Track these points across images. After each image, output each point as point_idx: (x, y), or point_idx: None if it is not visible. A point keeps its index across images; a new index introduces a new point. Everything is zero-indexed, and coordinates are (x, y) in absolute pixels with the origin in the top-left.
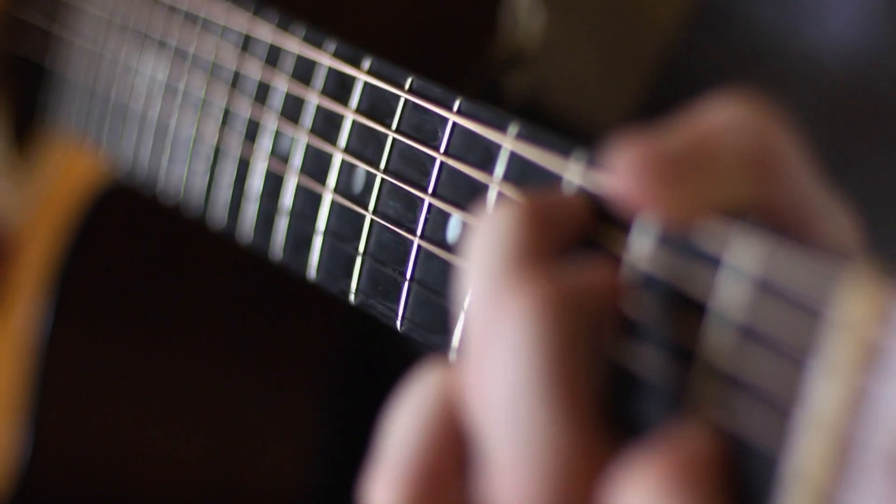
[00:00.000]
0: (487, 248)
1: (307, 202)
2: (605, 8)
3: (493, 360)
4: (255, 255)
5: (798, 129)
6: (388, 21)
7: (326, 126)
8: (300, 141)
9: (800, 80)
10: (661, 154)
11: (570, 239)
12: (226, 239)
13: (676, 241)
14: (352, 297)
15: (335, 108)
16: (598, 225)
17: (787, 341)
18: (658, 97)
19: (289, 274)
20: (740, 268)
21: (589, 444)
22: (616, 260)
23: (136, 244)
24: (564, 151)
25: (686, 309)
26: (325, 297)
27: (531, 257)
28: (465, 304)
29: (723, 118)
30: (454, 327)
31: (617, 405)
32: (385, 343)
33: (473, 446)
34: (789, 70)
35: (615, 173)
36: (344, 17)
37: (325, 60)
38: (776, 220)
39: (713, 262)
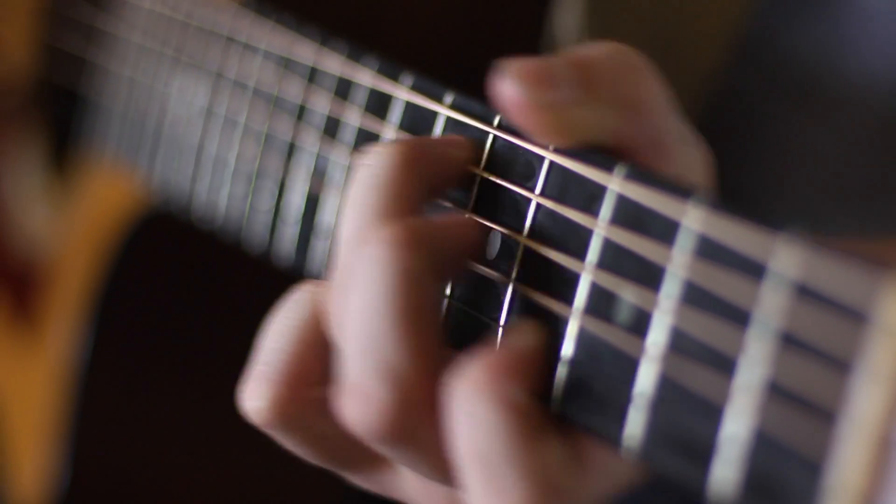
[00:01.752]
0: (362, 185)
1: None
2: (650, 38)
3: (352, 286)
4: (294, 282)
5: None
6: (429, 44)
7: (367, 144)
8: (341, 159)
9: (841, 107)
10: (541, 67)
11: (449, 177)
12: (263, 264)
13: (718, 248)
14: None
15: (376, 125)
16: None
17: (829, 347)
18: (701, 128)
19: None
20: (782, 273)
21: (429, 365)
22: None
23: (174, 272)
24: (607, 166)
25: (728, 315)
26: None
27: (398, 198)
28: (340, 231)
29: (597, 51)
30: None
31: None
32: None
33: (334, 358)
34: (830, 98)
35: (501, 83)
36: (387, 34)
37: (367, 79)
38: (636, 151)
39: (756, 269)
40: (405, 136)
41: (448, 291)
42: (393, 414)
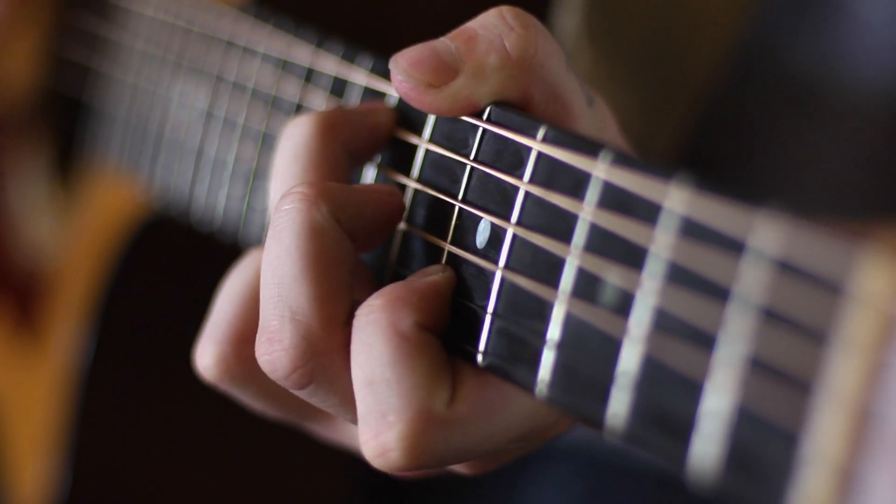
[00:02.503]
0: (284, 155)
1: None
2: (648, 50)
3: (270, 242)
4: None
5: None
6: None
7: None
8: None
9: (840, 117)
10: (421, 52)
11: (370, 142)
12: None
13: (700, 228)
14: None
15: None
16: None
17: (808, 320)
18: (698, 139)
19: None
20: (761, 249)
21: (332, 310)
22: None
23: (175, 278)
24: (591, 151)
25: (709, 293)
26: None
27: (316, 164)
28: (270, 199)
29: (478, 19)
30: (482, 332)
31: None
32: None
33: None
34: (830, 108)
35: (392, 74)
36: (386, 36)
37: (361, 78)
38: (539, 106)
39: (736, 246)
40: (332, 103)
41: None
42: (297, 355)
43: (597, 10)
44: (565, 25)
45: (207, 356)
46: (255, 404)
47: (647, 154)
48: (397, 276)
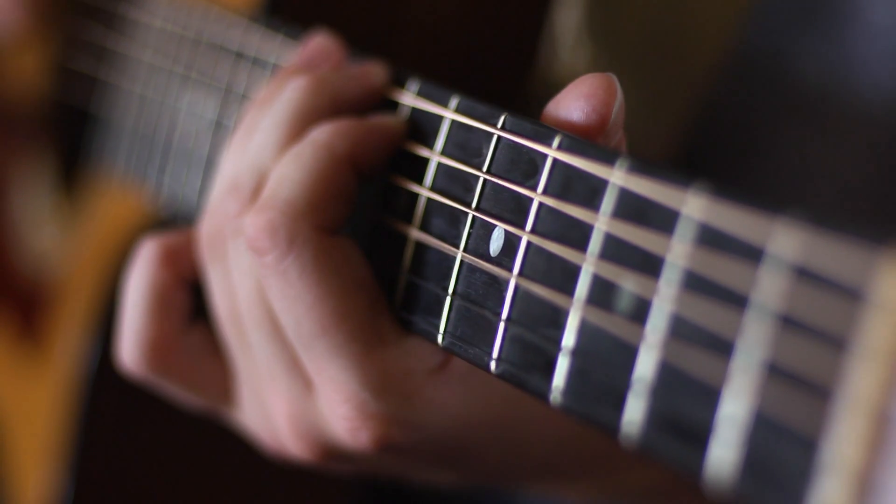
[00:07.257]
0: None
1: None
2: (648, 47)
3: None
4: None
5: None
6: (426, 52)
7: None
8: None
9: (851, 123)
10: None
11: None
12: None
13: (717, 235)
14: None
15: None
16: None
17: (826, 326)
18: (695, 137)
19: None
20: (779, 256)
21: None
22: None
23: None
24: (609, 159)
25: (727, 299)
26: None
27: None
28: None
29: None
30: (496, 339)
31: None
32: None
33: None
34: (840, 114)
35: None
36: (393, 32)
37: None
38: None
39: (754, 253)
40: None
41: (451, 288)
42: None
43: (597, 5)
44: (565, 21)
45: (132, 362)
46: (178, 392)
47: (644, 151)
48: (411, 286)
